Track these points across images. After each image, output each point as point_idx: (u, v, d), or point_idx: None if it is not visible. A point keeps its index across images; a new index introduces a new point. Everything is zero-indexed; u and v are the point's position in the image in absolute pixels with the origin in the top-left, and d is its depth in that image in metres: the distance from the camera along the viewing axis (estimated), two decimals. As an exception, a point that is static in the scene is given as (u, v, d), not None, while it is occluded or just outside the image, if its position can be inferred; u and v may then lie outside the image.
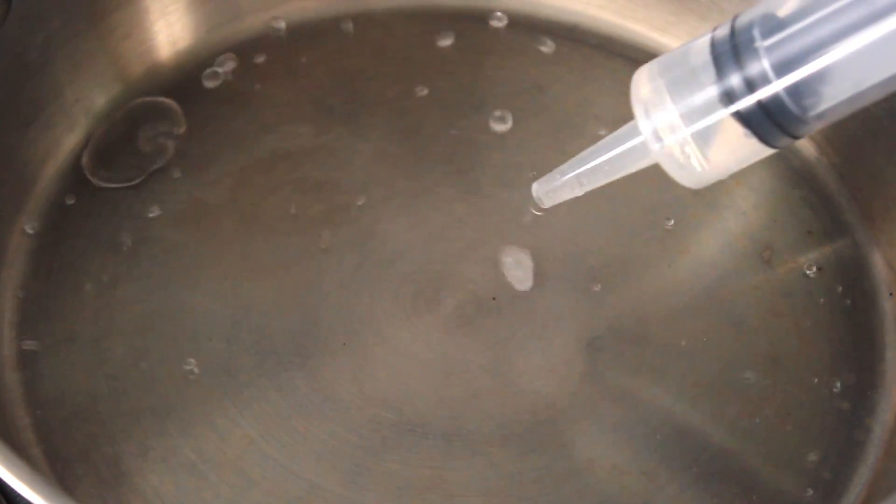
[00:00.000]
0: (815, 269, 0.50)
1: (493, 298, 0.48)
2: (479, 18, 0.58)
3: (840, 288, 0.50)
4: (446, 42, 0.57)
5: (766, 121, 0.33)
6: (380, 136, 0.53)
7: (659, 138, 0.35)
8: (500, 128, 0.54)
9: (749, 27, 0.33)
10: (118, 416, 0.45)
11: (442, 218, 0.51)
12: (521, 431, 0.45)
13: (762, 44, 0.32)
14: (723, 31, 0.34)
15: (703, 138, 0.34)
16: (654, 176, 0.52)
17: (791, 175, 0.54)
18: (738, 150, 0.35)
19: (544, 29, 0.58)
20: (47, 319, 0.47)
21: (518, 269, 0.48)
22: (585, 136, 0.53)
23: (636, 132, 0.36)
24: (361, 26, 0.57)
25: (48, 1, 0.51)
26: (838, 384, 0.47)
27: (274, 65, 0.56)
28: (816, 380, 0.47)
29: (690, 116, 0.34)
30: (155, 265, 0.49)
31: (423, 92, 0.55)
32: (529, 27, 0.58)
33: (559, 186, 0.40)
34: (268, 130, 0.53)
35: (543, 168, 0.52)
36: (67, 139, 0.53)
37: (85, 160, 0.52)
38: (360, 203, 0.51)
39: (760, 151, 0.35)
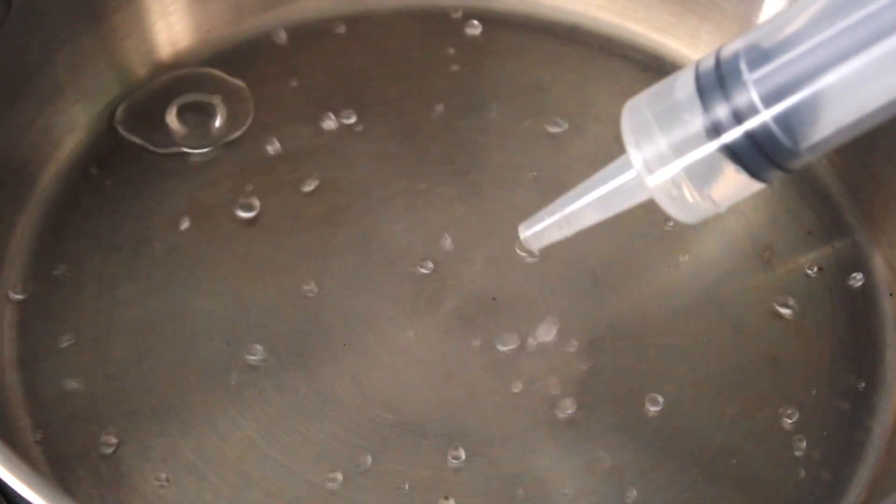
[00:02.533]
0: (815, 269, 0.50)
1: (493, 298, 0.48)
2: (479, 19, 0.58)
3: (840, 288, 0.50)
4: (446, 42, 0.57)
5: (756, 154, 0.33)
6: (380, 136, 0.53)
7: (651, 171, 0.34)
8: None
9: (735, 58, 0.32)
10: (118, 416, 0.45)
11: (442, 218, 0.51)
12: (521, 431, 0.45)
13: (750, 76, 0.32)
14: (707, 64, 0.33)
15: (694, 172, 0.34)
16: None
17: (791, 175, 0.53)
18: (728, 184, 0.34)
19: (544, 29, 0.58)
20: (47, 319, 0.47)
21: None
22: (585, 136, 0.53)
23: (627, 166, 0.35)
24: (361, 27, 0.57)
25: (48, 1, 0.51)
26: (838, 384, 0.47)
27: (274, 65, 0.56)
28: (816, 380, 0.47)
29: (679, 149, 0.33)
30: (155, 265, 0.49)
31: (423, 92, 0.55)
32: (529, 27, 0.58)
33: (546, 228, 0.39)
34: (268, 130, 0.53)
35: (543, 168, 0.52)
36: (67, 139, 0.53)
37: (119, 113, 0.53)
38: (359, 203, 0.51)
39: (751, 185, 0.34)
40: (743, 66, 0.32)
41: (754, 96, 0.32)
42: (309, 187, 0.51)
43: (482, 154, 0.53)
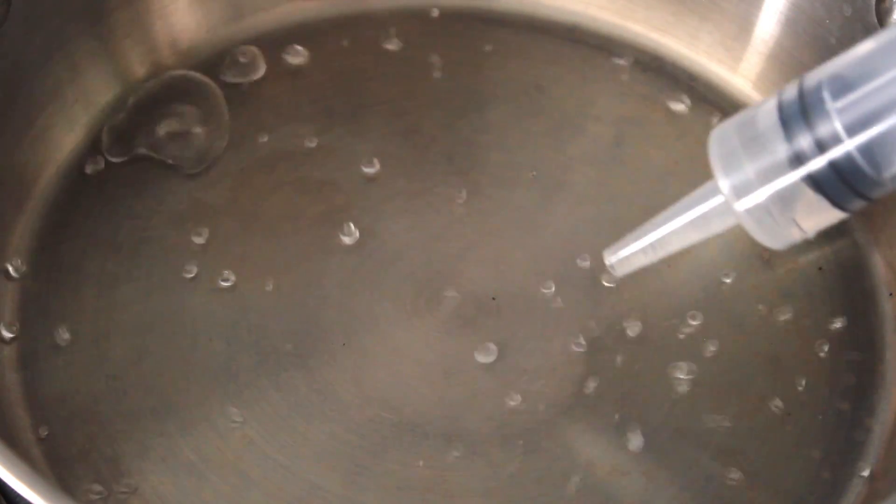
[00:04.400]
0: (815, 269, 0.50)
1: (493, 298, 0.48)
2: (479, 18, 0.58)
3: (840, 288, 0.50)
4: (446, 42, 0.57)
5: (839, 183, 0.33)
6: (380, 136, 0.53)
7: (738, 197, 0.35)
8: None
9: (818, 88, 0.33)
10: (118, 416, 0.45)
11: (442, 218, 0.51)
12: (521, 431, 0.45)
13: (833, 105, 0.32)
14: (790, 93, 0.34)
15: (779, 199, 0.34)
16: (654, 177, 0.53)
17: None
18: (812, 212, 0.34)
19: (544, 29, 0.58)
20: (47, 319, 0.47)
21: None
22: (586, 136, 0.53)
23: (714, 192, 0.36)
24: (361, 27, 0.57)
25: (48, 1, 0.51)
26: (838, 384, 0.47)
27: (274, 65, 0.56)
28: (816, 380, 0.47)
29: (765, 178, 0.34)
30: (155, 265, 0.49)
31: (422, 92, 0.55)
32: (529, 27, 0.58)
33: (632, 254, 0.40)
34: (268, 130, 0.53)
35: (543, 168, 0.52)
36: (67, 139, 0.53)
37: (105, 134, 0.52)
38: (359, 203, 0.51)
39: (834, 214, 0.34)
40: (826, 96, 0.32)
41: (837, 125, 0.32)
42: (309, 187, 0.51)
43: (482, 154, 0.53)
